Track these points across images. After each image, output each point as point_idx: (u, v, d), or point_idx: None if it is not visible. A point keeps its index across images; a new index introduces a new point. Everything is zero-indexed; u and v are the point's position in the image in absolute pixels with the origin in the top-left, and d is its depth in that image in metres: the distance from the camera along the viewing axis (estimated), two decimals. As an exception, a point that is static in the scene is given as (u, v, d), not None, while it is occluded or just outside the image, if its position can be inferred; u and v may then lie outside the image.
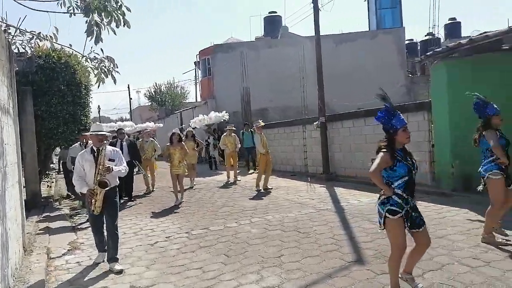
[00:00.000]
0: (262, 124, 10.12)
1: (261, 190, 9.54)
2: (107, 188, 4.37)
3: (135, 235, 6.09)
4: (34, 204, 8.57)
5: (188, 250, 5.11)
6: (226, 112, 17.17)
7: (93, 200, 4.41)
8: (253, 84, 20.44)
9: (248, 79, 20.72)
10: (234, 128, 12.47)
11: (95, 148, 4.55)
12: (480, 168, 4.60)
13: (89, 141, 7.66)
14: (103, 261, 4.71)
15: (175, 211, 7.76)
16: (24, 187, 7.31)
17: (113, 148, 4.75)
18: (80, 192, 4.74)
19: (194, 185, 11.08)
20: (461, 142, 7.43)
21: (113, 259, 4.55)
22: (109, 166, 4.42)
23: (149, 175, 10.77)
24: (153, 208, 8.25)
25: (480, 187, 4.66)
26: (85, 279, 4.32)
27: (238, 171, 12.32)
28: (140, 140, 11.42)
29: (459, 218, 5.66)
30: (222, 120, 17.07)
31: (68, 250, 5.47)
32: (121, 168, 4.62)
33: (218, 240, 5.45)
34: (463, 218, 5.66)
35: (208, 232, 5.94)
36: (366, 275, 3.81)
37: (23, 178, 7.24)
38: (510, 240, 4.48)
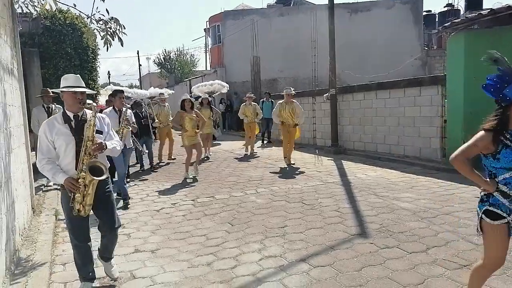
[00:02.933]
0: (293, 92, 8.95)
1: (293, 164, 8.87)
2: (103, 178, 2.91)
3: (141, 200, 6.15)
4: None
5: (193, 217, 5.15)
6: (227, 84, 16.22)
7: (77, 196, 2.87)
8: (263, 53, 20.04)
9: (259, 48, 20.27)
10: (254, 97, 11.79)
11: (71, 115, 2.98)
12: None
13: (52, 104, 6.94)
14: None
15: (183, 181, 7.80)
16: (33, 149, 7.37)
17: (99, 114, 3.19)
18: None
19: (210, 155, 10.69)
20: (474, 118, 7.19)
21: (109, 258, 3.35)
22: (101, 142, 2.94)
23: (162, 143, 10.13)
24: (162, 177, 8.31)
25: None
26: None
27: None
28: (155, 105, 10.50)
29: (467, 196, 5.58)
30: (223, 91, 15.89)
31: (75, 212, 5.55)
32: (115, 143, 3.14)
33: (223, 209, 5.48)
34: (471, 195, 5.58)
35: (213, 201, 5.97)
36: (369, 249, 3.80)
37: (32, 141, 7.29)
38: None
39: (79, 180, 2.85)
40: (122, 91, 6.35)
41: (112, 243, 3.31)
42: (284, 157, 8.96)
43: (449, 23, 7.84)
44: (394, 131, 9.23)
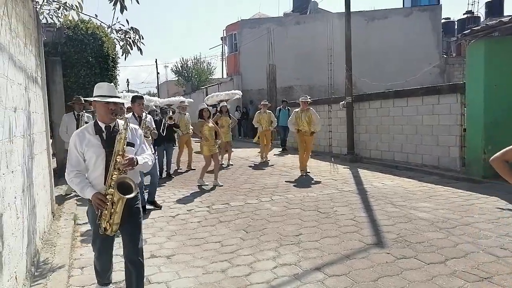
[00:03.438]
0: (310, 100, 8.82)
1: (309, 172, 8.71)
2: (131, 195, 2.64)
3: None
4: (64, 172, 8.88)
5: (208, 224, 5.18)
6: (240, 91, 16.52)
7: (104, 213, 2.66)
8: (279, 61, 20.13)
9: (275, 56, 20.39)
10: (269, 104, 11.69)
11: (102, 126, 2.79)
12: None
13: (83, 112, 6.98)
14: None
15: (198, 187, 7.86)
16: (53, 156, 7.56)
17: (132, 125, 2.90)
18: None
19: (231, 164, 10.51)
20: (494, 127, 7.10)
21: None
22: (131, 158, 2.67)
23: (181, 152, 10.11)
24: (177, 183, 8.39)
25: None
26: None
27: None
28: (176, 113, 10.37)
29: (488, 206, 5.44)
30: (235, 98, 16.18)
31: (94, 217, 5.66)
32: (147, 157, 2.84)
33: (237, 216, 5.49)
34: (492, 206, 5.43)
35: (228, 208, 5.99)
36: (385, 259, 3.74)
37: (53, 148, 7.50)
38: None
39: (107, 197, 2.63)
40: (141, 97, 6.26)
41: (135, 273, 2.82)
42: (301, 169, 8.71)
43: (469, 30, 7.73)
44: (411, 140, 9.10)
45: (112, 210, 2.65)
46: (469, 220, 4.84)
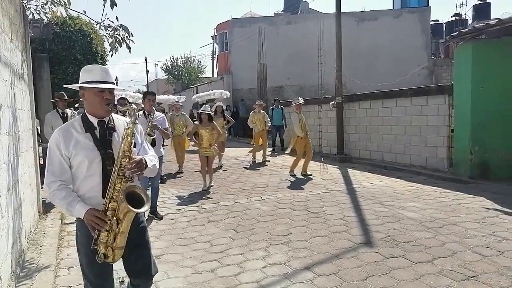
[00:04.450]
0: (302, 101, 8.69)
1: (296, 175, 8.40)
2: (144, 209, 2.02)
3: (146, 205, 6.17)
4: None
5: (198, 223, 5.15)
6: (228, 92, 16.90)
7: (103, 236, 2.00)
8: (270, 61, 20.15)
9: (266, 55, 20.39)
10: (263, 104, 11.43)
11: (94, 121, 2.14)
12: None
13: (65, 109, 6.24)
14: None
15: (188, 187, 7.81)
16: (41, 155, 7.43)
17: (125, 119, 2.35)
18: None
19: (222, 164, 10.26)
20: (481, 128, 7.21)
21: None
22: (140, 159, 2.06)
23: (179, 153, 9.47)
24: (168, 183, 8.32)
25: None
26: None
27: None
28: (170, 114, 9.83)
29: (474, 206, 5.52)
30: (225, 97, 16.39)
31: (81, 217, 5.58)
32: (153, 159, 2.23)
33: (227, 215, 5.48)
34: (478, 206, 5.52)
35: (218, 207, 5.97)
36: (374, 258, 3.76)
37: (40, 146, 7.36)
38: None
39: (107, 213, 1.98)
40: (152, 93, 5.77)
41: None
42: (302, 172, 8.43)
43: (457, 32, 7.83)
44: (400, 140, 9.20)
45: (117, 230, 1.99)
46: (456, 219, 4.91)
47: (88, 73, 2.13)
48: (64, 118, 6.41)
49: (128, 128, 2.07)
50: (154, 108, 5.59)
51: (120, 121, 2.25)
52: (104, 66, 2.25)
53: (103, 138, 2.13)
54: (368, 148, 10.32)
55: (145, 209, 2.02)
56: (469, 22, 28.67)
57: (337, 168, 9.54)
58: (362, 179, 7.90)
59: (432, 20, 26.55)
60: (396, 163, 9.19)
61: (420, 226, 4.71)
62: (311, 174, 8.51)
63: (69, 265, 3.79)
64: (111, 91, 2.12)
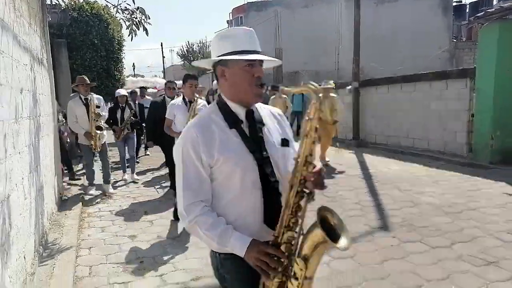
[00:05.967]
0: (333, 84, 8.00)
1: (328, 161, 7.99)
2: (345, 245, 1.36)
3: (161, 188, 6.26)
4: (71, 154, 8.93)
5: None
6: None
7: (275, 281, 1.32)
8: (286, 45, 19.87)
9: (282, 39, 20.13)
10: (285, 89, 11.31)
11: (241, 112, 1.46)
12: None
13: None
14: None
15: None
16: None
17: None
18: None
19: None
20: (504, 112, 6.99)
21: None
22: (321, 168, 1.39)
23: None
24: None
25: None
26: (115, 226, 4.52)
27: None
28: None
29: (495, 192, 5.39)
30: None
31: (101, 199, 5.74)
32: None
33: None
34: (499, 192, 5.39)
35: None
36: (390, 242, 3.74)
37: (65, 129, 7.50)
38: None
39: (282, 247, 1.35)
40: (194, 77, 4.77)
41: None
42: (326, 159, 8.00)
43: (483, 13, 7.53)
44: (418, 125, 9.00)
45: (301, 273, 1.31)
46: (475, 205, 4.81)
47: (228, 40, 1.44)
48: (87, 105, 5.69)
49: (311, 117, 1.32)
50: (196, 95, 4.73)
51: (264, 110, 1.59)
52: (249, 28, 1.52)
53: (254, 136, 1.45)
54: (384, 133, 10.15)
55: (346, 243, 1.35)
56: (495, 2, 27.53)
57: (353, 153, 9.44)
58: (378, 164, 7.81)
59: (454, 1, 25.62)
60: (413, 148, 9.03)
61: (438, 211, 4.64)
62: (328, 161, 8.44)
63: (89, 245, 3.91)
64: (261, 64, 1.48)
